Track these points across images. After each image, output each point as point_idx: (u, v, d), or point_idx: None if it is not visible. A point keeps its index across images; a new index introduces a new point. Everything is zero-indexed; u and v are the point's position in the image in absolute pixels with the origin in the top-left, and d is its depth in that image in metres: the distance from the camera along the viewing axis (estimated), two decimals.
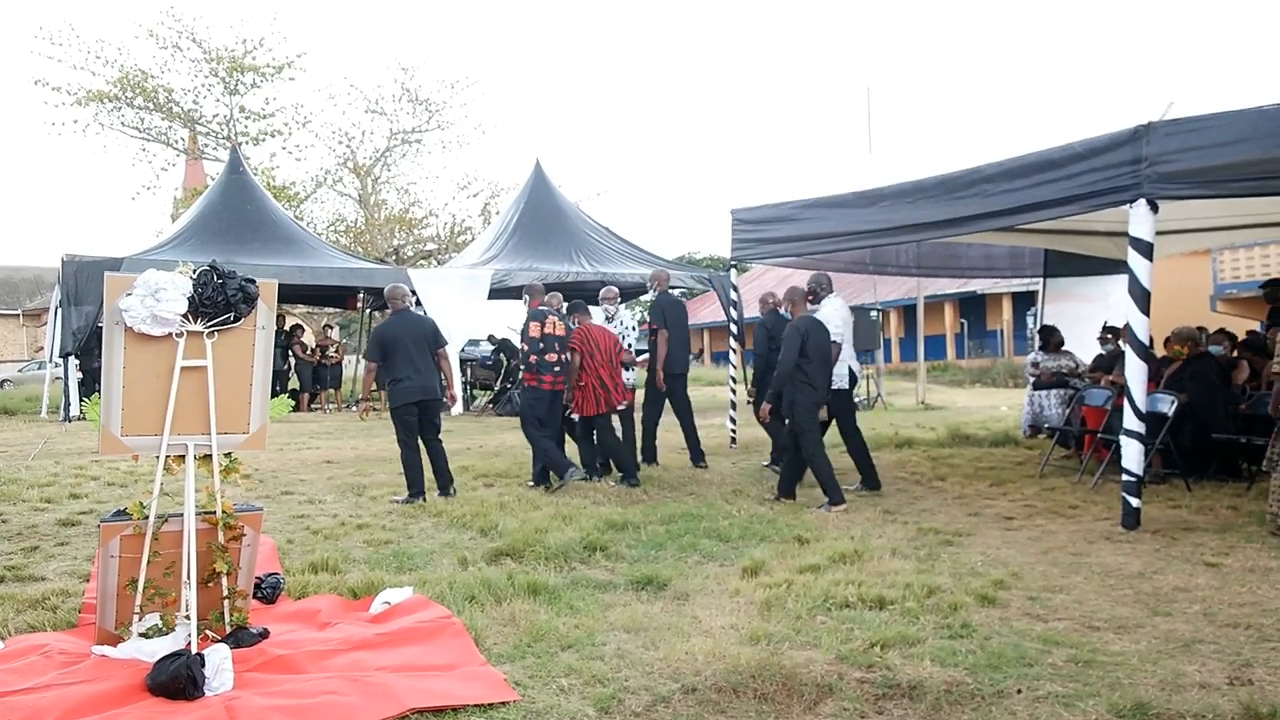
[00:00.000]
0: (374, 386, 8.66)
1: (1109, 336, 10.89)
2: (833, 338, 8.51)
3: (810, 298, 8.92)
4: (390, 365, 8.35)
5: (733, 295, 13.12)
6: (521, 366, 9.38)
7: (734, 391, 12.81)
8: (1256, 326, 18.23)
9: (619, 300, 10.99)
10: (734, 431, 12.35)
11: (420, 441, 8.44)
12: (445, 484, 8.51)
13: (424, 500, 8.20)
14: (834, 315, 8.89)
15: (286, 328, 19.65)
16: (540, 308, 9.29)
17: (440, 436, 8.60)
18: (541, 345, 8.99)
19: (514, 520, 7.10)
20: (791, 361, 8.07)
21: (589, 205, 28.20)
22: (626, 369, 9.90)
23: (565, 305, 9.70)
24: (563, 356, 9.03)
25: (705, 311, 47.18)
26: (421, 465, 8.40)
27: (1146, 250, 6.71)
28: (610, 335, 9.43)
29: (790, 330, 8.21)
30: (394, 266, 23.73)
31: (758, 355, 10.49)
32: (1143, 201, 6.70)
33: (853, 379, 9.24)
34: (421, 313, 10.67)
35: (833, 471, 8.07)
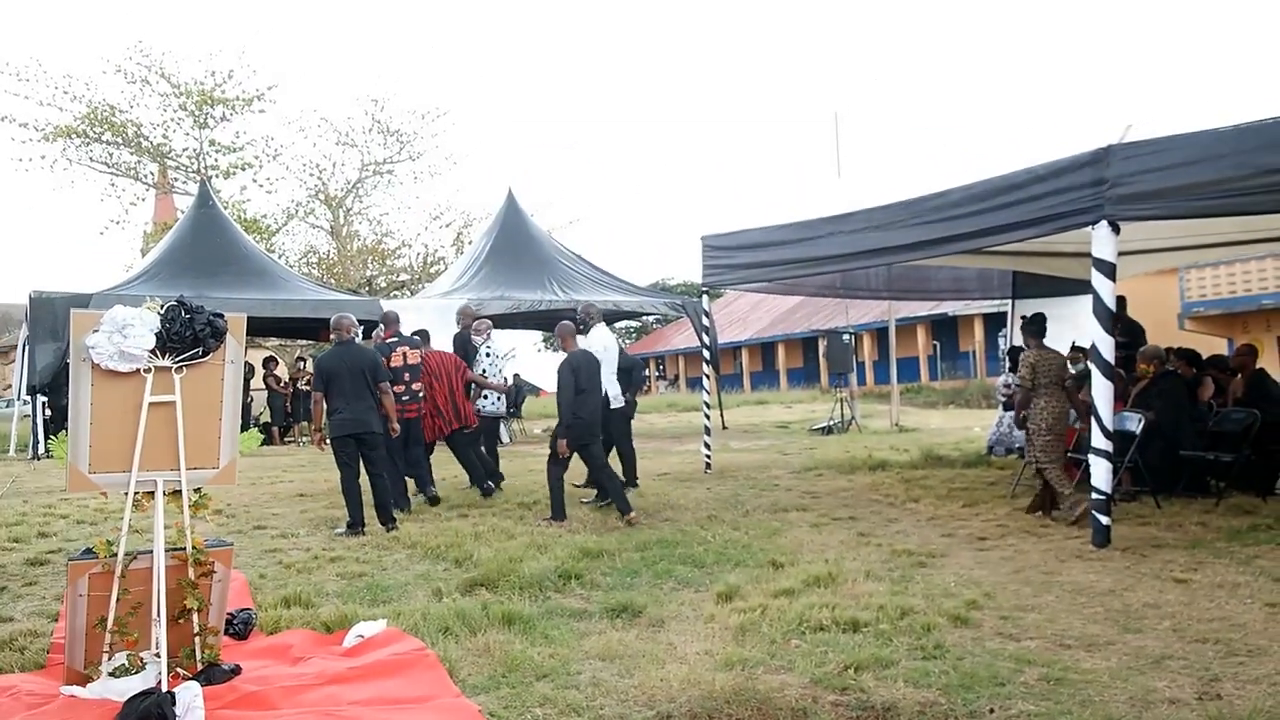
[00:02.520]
0: (324, 417, 8.66)
1: (1079, 356, 11.00)
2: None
3: (580, 329, 9.63)
4: (328, 396, 8.45)
5: (705, 321, 13.17)
6: None
7: (708, 417, 12.84)
8: (1224, 344, 18.50)
9: (490, 330, 11.43)
10: (709, 457, 12.36)
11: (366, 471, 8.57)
12: (386, 518, 8.44)
13: (364, 531, 8.22)
14: (596, 342, 9.73)
15: (260, 360, 19.54)
16: (389, 340, 9.76)
17: (382, 471, 8.57)
18: (393, 376, 9.25)
19: (488, 550, 7.08)
20: (570, 394, 8.63)
21: (562, 233, 28.25)
22: (468, 392, 10.41)
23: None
24: (414, 385, 9.51)
25: (679, 338, 47.34)
26: (359, 496, 8.42)
27: (1109, 270, 6.82)
28: (450, 361, 10.05)
29: (563, 366, 8.80)
30: (367, 297, 23.66)
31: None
32: (1104, 223, 6.81)
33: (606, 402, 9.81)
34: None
35: (564, 493, 8.78)
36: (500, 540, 7.56)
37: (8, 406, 21.53)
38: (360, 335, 9.26)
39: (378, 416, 8.54)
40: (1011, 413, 11.37)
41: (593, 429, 8.91)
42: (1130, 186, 6.69)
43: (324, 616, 5.44)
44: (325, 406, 8.52)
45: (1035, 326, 8.47)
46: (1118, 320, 10.50)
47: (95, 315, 4.22)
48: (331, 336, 8.76)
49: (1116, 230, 6.80)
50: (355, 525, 8.27)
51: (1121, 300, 10.69)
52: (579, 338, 9.42)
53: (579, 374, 8.71)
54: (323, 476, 12.77)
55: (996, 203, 7.79)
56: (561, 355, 8.95)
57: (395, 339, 9.78)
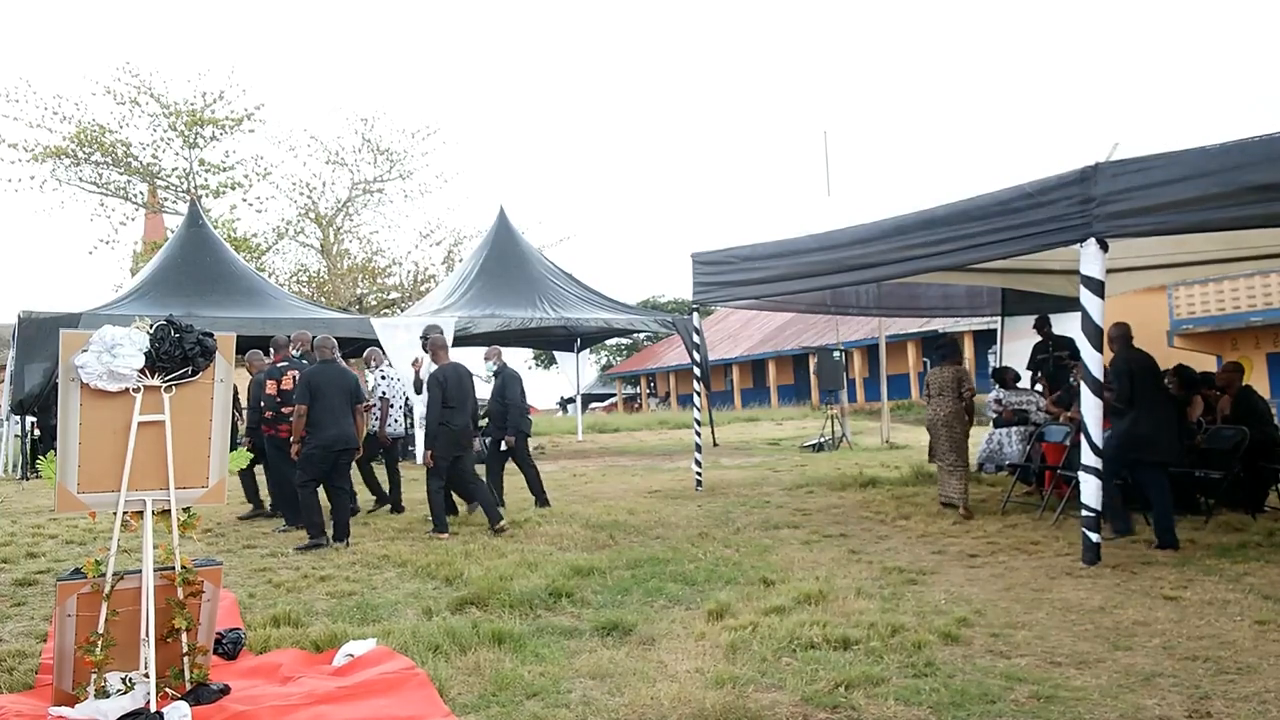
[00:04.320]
0: (304, 430, 8.80)
1: (1074, 371, 11.08)
2: None
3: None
4: (312, 410, 8.71)
5: (695, 338, 13.18)
6: (261, 421, 10.14)
7: (699, 434, 12.84)
8: (1213, 361, 18.58)
9: (384, 361, 11.91)
10: (699, 474, 12.36)
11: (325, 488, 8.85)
12: (342, 533, 8.70)
13: (325, 542, 8.47)
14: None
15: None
16: (279, 364, 10.08)
17: (344, 487, 9.00)
18: (279, 400, 9.78)
19: (478, 568, 7.07)
20: (437, 407, 9.13)
21: (552, 251, 28.28)
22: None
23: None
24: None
25: (670, 355, 47.36)
26: (320, 509, 8.70)
27: (1098, 288, 6.86)
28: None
29: (431, 379, 9.31)
30: (358, 315, 23.63)
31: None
32: (1093, 240, 6.86)
33: None
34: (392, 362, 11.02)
35: (444, 506, 9.25)
36: (490, 558, 7.55)
37: None
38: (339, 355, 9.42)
39: (355, 434, 8.99)
40: (1002, 430, 11.40)
41: (460, 441, 9.34)
42: (1118, 204, 6.74)
43: (313, 635, 5.42)
44: (306, 420, 8.78)
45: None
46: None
47: (84, 335, 4.21)
48: (315, 355, 9.26)
49: (1105, 248, 6.85)
50: (317, 538, 8.52)
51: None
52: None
53: (446, 387, 9.17)
54: None
55: (984, 220, 7.84)
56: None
57: (285, 363, 10.13)
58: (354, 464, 9.92)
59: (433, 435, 9.23)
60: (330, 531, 8.73)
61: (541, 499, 10.79)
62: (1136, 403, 7.74)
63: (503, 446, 10.70)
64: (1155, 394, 7.82)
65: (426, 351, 10.37)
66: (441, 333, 10.57)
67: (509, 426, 10.56)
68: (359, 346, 20.30)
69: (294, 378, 9.71)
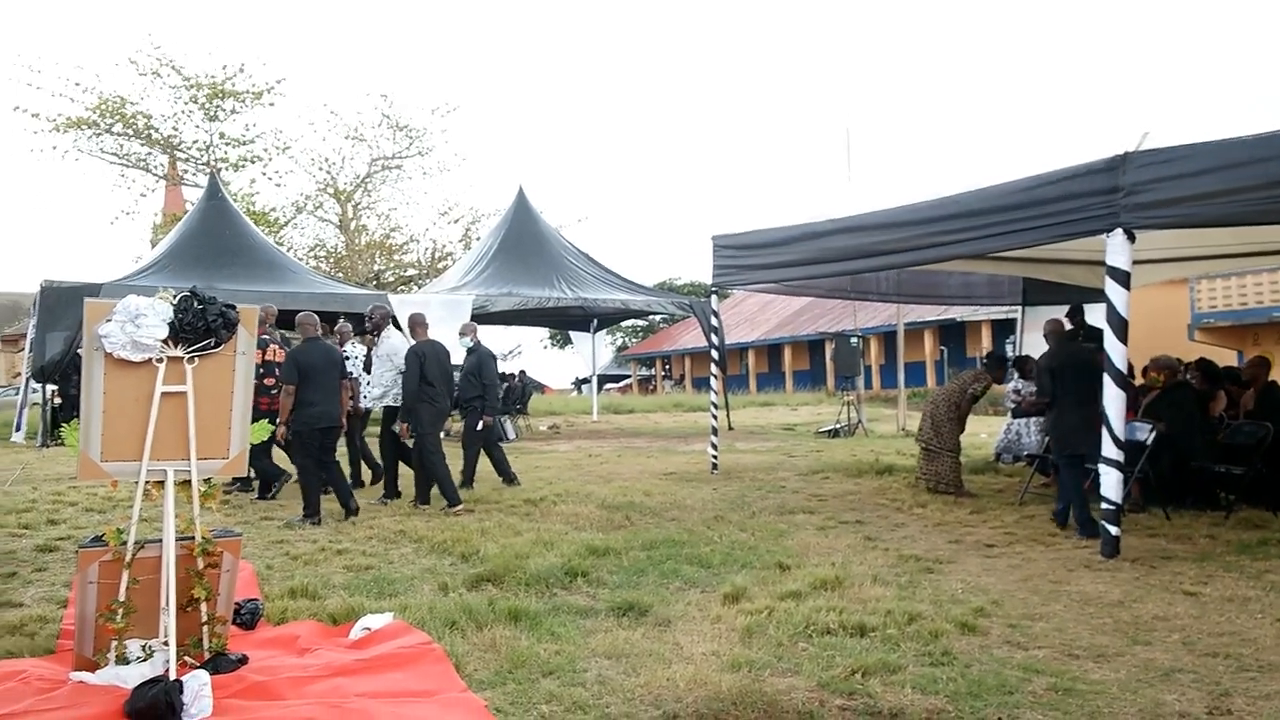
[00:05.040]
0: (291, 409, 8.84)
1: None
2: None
3: (371, 331, 10.36)
4: (301, 389, 8.70)
5: (713, 321, 13.15)
6: None
7: (715, 418, 12.82)
8: (1233, 356, 18.43)
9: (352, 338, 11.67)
10: (715, 457, 12.35)
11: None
12: (351, 509, 8.84)
13: (319, 521, 8.53)
14: (385, 347, 10.36)
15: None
16: (263, 336, 10.03)
17: (334, 461, 9.11)
18: (261, 370, 9.86)
19: (495, 546, 7.08)
20: (415, 381, 9.22)
21: (570, 231, 28.22)
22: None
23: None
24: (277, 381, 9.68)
25: (686, 337, 47.33)
26: (319, 487, 8.77)
27: (1124, 279, 6.79)
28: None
29: (410, 353, 9.43)
30: (375, 291, 23.66)
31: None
32: (1119, 231, 6.78)
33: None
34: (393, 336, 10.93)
35: (449, 474, 9.26)
36: (506, 536, 7.56)
37: (17, 394, 21.55)
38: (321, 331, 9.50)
39: (340, 411, 9.08)
40: (1020, 420, 11.35)
41: (436, 419, 9.49)
42: (1147, 195, 6.65)
43: (330, 608, 5.44)
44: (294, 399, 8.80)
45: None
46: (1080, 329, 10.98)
47: (108, 304, 4.21)
48: (296, 333, 9.39)
49: (1132, 238, 6.77)
50: (312, 515, 8.57)
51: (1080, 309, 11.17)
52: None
53: (425, 362, 9.26)
54: None
55: (1008, 208, 7.76)
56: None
57: (266, 336, 10.19)
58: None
59: (409, 410, 9.32)
60: (329, 512, 8.83)
61: (509, 478, 10.83)
62: (1059, 398, 8.10)
63: (479, 427, 10.59)
64: (1079, 390, 7.85)
65: (369, 329, 10.37)
66: (387, 308, 10.62)
67: (486, 407, 10.53)
68: (376, 323, 20.38)
69: (273, 351, 9.94)
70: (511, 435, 19.15)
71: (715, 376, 13.40)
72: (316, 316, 9.33)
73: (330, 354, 9.08)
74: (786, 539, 7.60)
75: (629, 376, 57.99)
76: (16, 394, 21.96)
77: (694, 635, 4.92)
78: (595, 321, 24.86)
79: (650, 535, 7.65)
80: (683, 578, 6.28)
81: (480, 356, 10.68)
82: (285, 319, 12.63)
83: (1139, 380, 9.57)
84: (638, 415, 27.74)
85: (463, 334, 11.16)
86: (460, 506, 9.02)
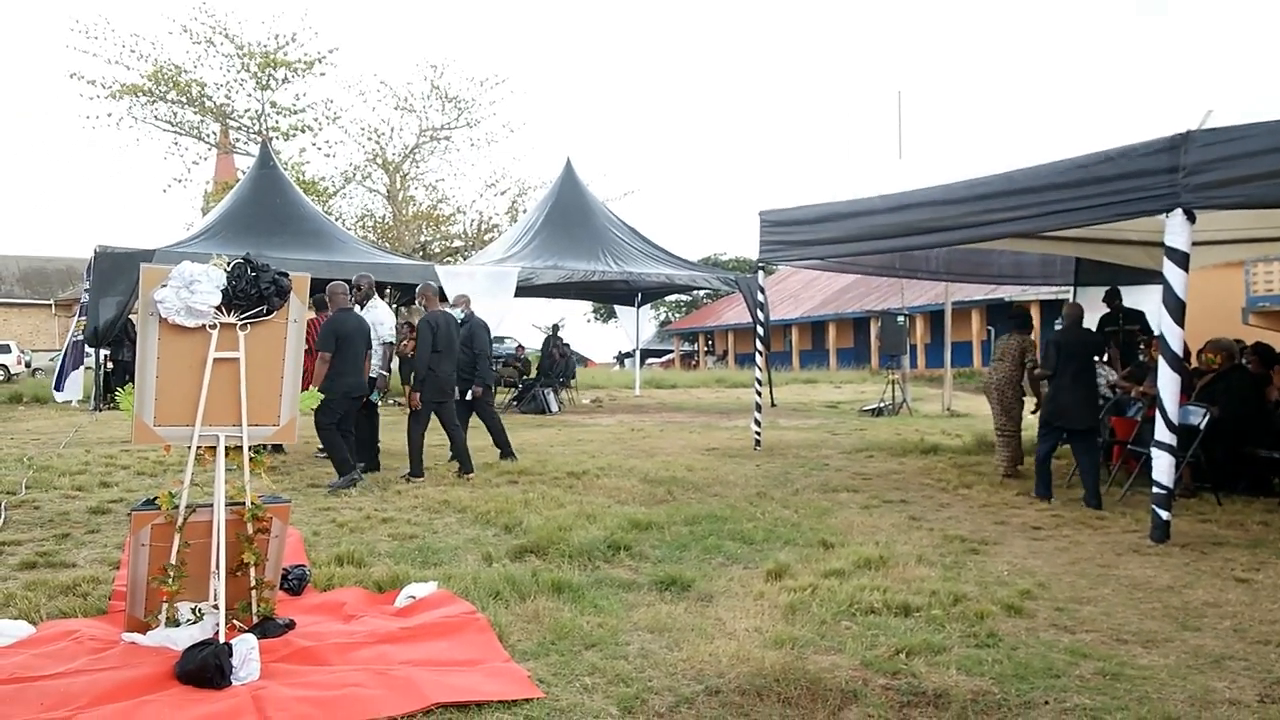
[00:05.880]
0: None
1: (1144, 347, 10.84)
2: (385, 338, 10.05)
3: (359, 302, 10.08)
4: (336, 358, 8.80)
5: (760, 297, 13.06)
6: None
7: (760, 394, 12.77)
8: None
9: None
10: (758, 434, 12.31)
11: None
12: (373, 459, 9.41)
13: (359, 475, 8.83)
14: (370, 316, 9.98)
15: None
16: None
17: (352, 429, 9.20)
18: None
19: (538, 518, 7.11)
20: (428, 350, 9.25)
21: (617, 205, 28.17)
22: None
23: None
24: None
25: (730, 313, 47.15)
26: (348, 451, 8.90)
27: (1182, 261, 6.64)
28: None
29: (423, 323, 9.36)
30: (422, 262, 23.78)
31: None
32: (1179, 211, 6.63)
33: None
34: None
35: (422, 446, 9.39)
36: (550, 508, 7.59)
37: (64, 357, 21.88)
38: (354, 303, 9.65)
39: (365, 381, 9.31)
40: None
41: (446, 388, 9.51)
42: (1208, 175, 6.49)
43: (376, 576, 5.50)
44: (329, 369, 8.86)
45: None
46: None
47: (164, 270, 4.25)
48: (329, 302, 9.38)
49: (1192, 219, 6.62)
50: (350, 474, 8.78)
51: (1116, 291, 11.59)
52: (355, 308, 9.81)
53: (438, 332, 9.29)
54: None
55: (1064, 186, 7.61)
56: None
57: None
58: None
59: (421, 380, 9.40)
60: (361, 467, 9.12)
61: (507, 452, 10.71)
62: (1058, 374, 8.46)
63: (469, 396, 10.44)
64: (1079, 369, 8.40)
65: (356, 298, 10.04)
66: (360, 285, 10.27)
67: (477, 377, 10.41)
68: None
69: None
70: (555, 408, 19.21)
71: (759, 353, 13.32)
72: (345, 286, 9.40)
73: (362, 325, 9.20)
74: (830, 517, 7.57)
75: (671, 351, 57.90)
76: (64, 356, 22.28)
77: (736, 611, 4.92)
78: (639, 296, 24.82)
79: (693, 510, 7.65)
80: (725, 553, 6.27)
81: (472, 327, 10.50)
82: (321, 287, 12.61)
83: (1193, 363, 9.39)
84: (680, 390, 27.70)
85: (454, 304, 10.98)
86: (421, 479, 9.19)
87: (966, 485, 9.24)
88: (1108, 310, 11.75)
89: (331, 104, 34.14)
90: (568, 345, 24.03)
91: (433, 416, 9.62)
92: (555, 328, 22.48)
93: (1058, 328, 9.19)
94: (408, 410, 9.73)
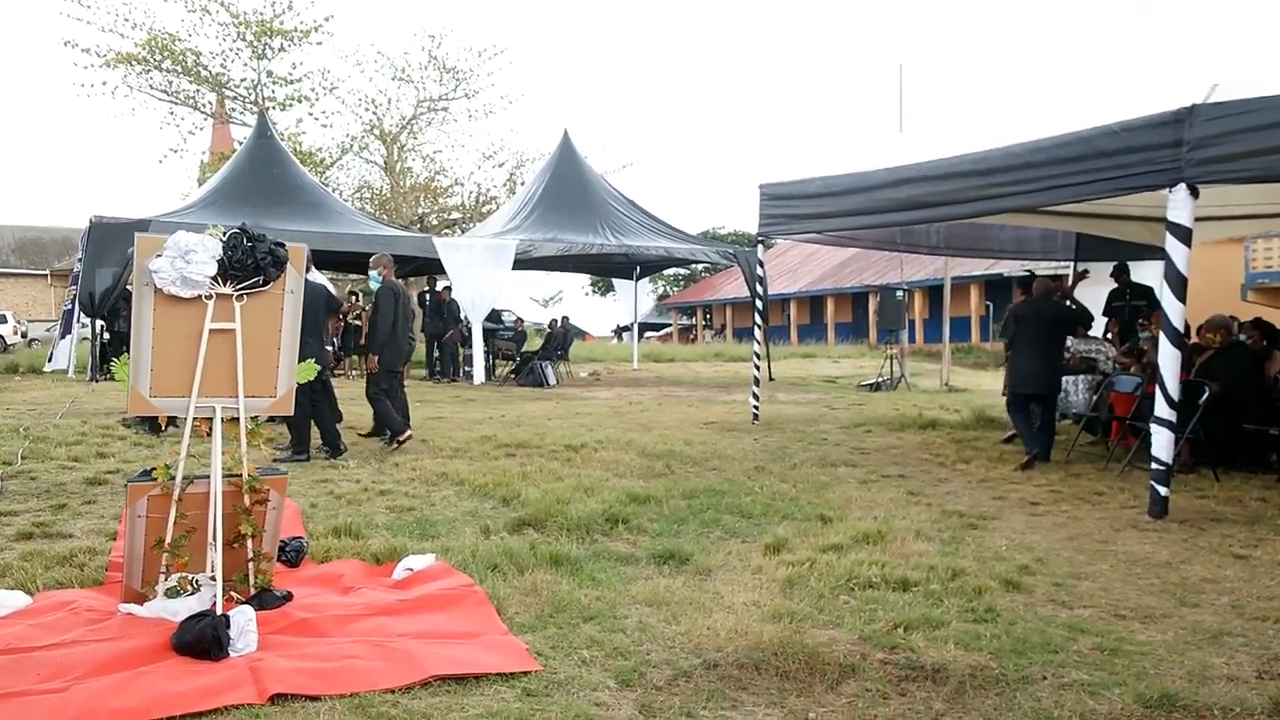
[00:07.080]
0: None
1: (1143, 323, 10.81)
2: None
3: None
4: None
5: (759, 271, 13.02)
6: None
7: (758, 368, 12.75)
8: None
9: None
10: (756, 408, 12.30)
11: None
12: (336, 444, 9.11)
13: (309, 457, 8.84)
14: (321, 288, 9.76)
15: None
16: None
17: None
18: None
19: (536, 491, 7.10)
20: (390, 319, 9.35)
21: (615, 177, 28.00)
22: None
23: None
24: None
25: (728, 287, 47.09)
26: (309, 426, 8.98)
27: (1185, 236, 6.61)
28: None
29: (384, 291, 9.47)
30: (419, 234, 23.68)
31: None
32: (1183, 186, 6.59)
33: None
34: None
35: (391, 410, 9.48)
36: (548, 481, 7.58)
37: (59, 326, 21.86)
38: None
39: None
40: (1068, 378, 11.15)
41: (394, 358, 9.66)
42: (1213, 149, 6.42)
43: (373, 548, 5.49)
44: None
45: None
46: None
47: (159, 239, 4.20)
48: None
49: (1195, 194, 6.58)
50: (337, 448, 8.99)
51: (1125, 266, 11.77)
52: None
53: (399, 300, 9.40)
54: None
55: (1066, 160, 7.56)
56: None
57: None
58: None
59: (383, 344, 9.48)
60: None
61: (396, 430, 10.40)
62: (1017, 343, 9.27)
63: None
64: (1036, 337, 9.15)
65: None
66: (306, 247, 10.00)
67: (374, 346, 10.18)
68: (421, 264, 20.39)
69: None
70: (553, 381, 19.21)
71: (758, 327, 13.29)
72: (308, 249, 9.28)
73: (316, 296, 8.88)
74: (828, 491, 7.57)
75: (669, 325, 57.86)
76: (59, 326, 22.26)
77: (734, 585, 4.91)
78: (638, 269, 24.76)
79: (691, 484, 7.64)
80: (723, 527, 6.27)
81: (382, 294, 9.87)
82: (328, 260, 12.62)
83: (1193, 339, 9.37)
84: (678, 364, 27.70)
85: (373, 266, 9.95)
86: (407, 434, 9.40)
87: (965, 460, 9.24)
88: (1115, 286, 11.74)
89: (328, 74, 33.97)
90: (565, 318, 24.01)
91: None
92: (565, 319, 22.52)
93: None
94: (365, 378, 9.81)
